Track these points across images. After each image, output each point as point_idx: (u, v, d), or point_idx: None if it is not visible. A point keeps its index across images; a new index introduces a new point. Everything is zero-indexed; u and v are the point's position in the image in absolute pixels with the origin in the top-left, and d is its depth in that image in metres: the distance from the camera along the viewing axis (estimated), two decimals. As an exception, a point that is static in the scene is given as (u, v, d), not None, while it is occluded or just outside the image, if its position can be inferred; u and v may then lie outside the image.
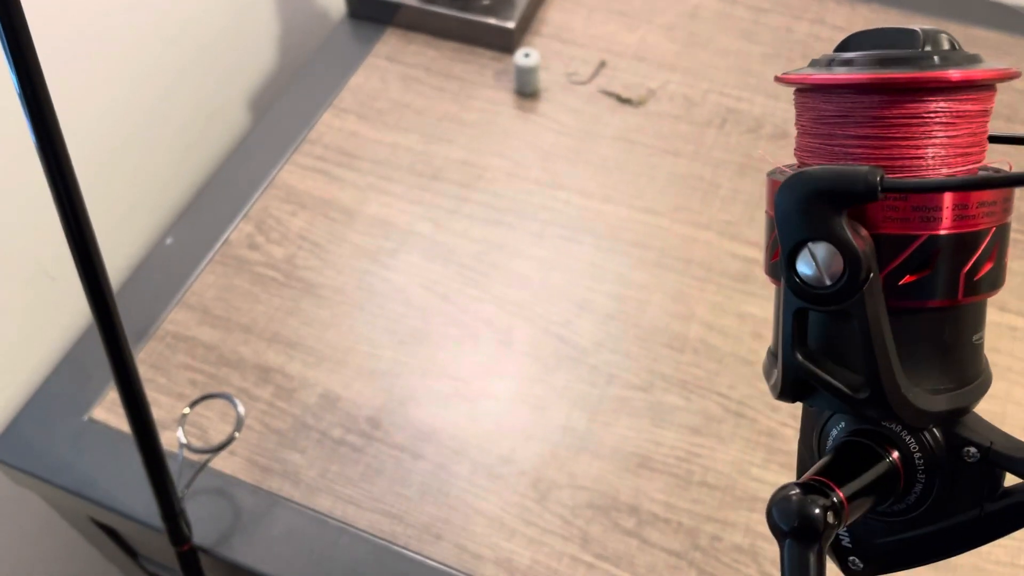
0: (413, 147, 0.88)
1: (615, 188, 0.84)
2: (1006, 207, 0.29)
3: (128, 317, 0.76)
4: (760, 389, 0.70)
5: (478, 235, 0.81)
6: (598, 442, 0.68)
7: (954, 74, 0.27)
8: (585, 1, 0.99)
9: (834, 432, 0.32)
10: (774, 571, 0.62)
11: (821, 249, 0.27)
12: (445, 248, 0.80)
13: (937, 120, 0.28)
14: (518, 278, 0.78)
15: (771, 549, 0.63)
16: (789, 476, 0.67)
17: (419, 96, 0.92)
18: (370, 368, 0.73)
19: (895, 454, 0.30)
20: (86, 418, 0.71)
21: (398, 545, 0.64)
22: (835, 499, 0.27)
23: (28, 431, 0.71)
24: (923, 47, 0.28)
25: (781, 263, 0.28)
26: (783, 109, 0.88)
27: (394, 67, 0.94)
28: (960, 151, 0.28)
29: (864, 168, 0.26)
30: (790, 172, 0.30)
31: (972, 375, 0.30)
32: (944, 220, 0.27)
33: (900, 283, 0.28)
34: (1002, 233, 0.29)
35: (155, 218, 0.91)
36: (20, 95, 0.40)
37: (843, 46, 0.30)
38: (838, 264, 0.27)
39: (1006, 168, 0.29)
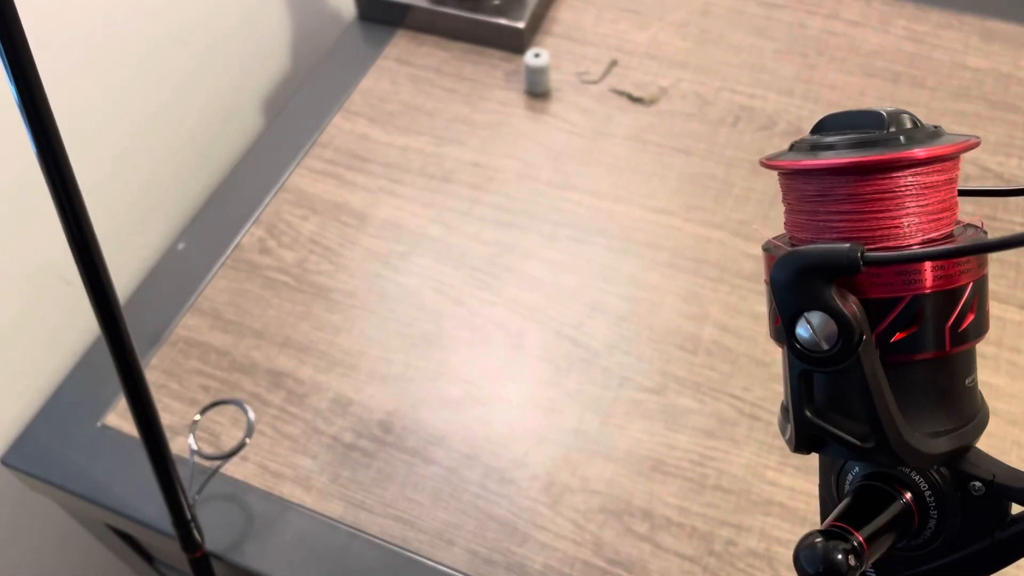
0: (424, 149, 0.87)
1: (627, 188, 0.83)
2: (981, 262, 0.32)
3: (141, 322, 0.77)
4: (774, 390, 0.70)
5: (490, 237, 0.80)
6: (611, 445, 0.68)
7: (920, 152, 0.30)
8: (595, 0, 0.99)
9: (850, 476, 0.34)
10: (789, 575, 0.62)
11: (816, 318, 0.30)
12: (457, 251, 0.80)
13: (908, 193, 0.31)
14: (530, 280, 0.77)
15: (787, 554, 0.62)
16: (804, 479, 0.66)
17: (430, 98, 0.91)
18: (382, 372, 0.73)
19: (907, 494, 0.32)
20: (100, 424, 0.72)
21: (410, 551, 0.64)
22: (855, 543, 0.30)
23: (43, 437, 0.71)
24: (888, 128, 0.31)
25: (782, 331, 0.31)
26: (797, 106, 0.87)
27: (404, 69, 0.94)
28: (933, 217, 0.31)
29: (846, 246, 0.29)
30: (782, 246, 0.33)
31: (969, 415, 0.32)
32: (925, 281, 0.30)
33: (892, 340, 0.31)
34: (980, 286, 0.32)
35: (170, 222, 0.91)
36: (19, 104, 0.40)
37: (818, 128, 0.33)
38: (832, 329, 0.30)
39: (978, 224, 0.32)
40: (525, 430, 0.69)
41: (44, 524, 0.84)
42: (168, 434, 0.55)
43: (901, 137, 0.31)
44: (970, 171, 0.83)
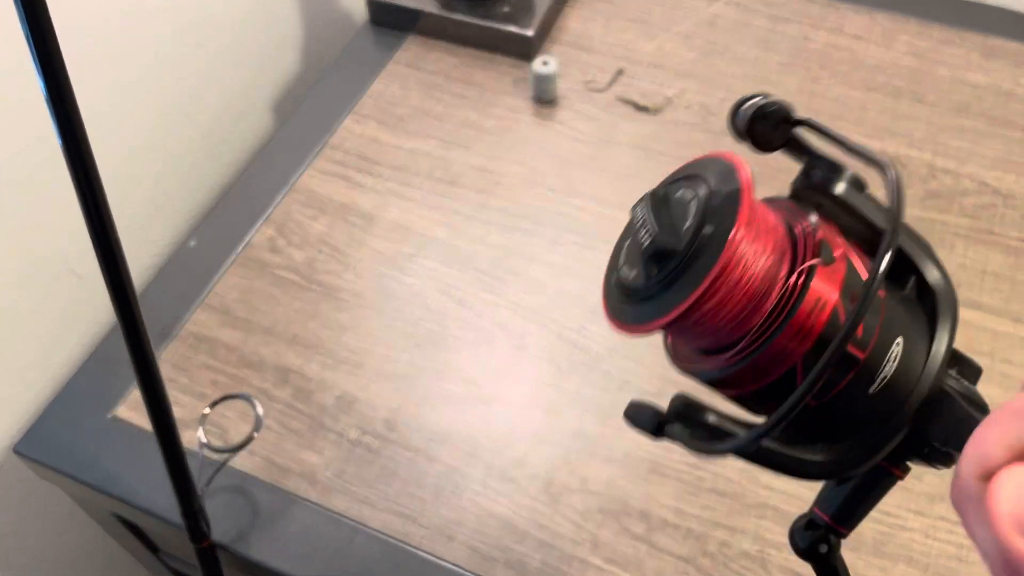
0: (432, 153, 0.89)
1: (630, 196, 0.84)
2: (833, 268, 0.31)
3: (152, 317, 0.78)
4: (771, 397, 0.71)
5: (495, 241, 0.82)
6: (610, 447, 0.69)
7: (673, 314, 0.30)
8: (604, 9, 1.00)
9: None
10: (782, 578, 0.63)
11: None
12: (462, 253, 0.81)
13: (698, 326, 0.31)
14: (533, 284, 0.79)
15: (779, 556, 0.64)
16: (798, 483, 0.68)
17: (439, 103, 0.93)
18: (387, 371, 0.74)
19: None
20: (110, 416, 0.73)
21: (411, 545, 0.65)
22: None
23: (54, 428, 0.73)
24: (651, 275, 0.31)
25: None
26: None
27: (414, 74, 0.96)
28: (734, 318, 0.31)
29: (649, 412, 0.33)
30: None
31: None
32: (796, 347, 0.31)
33: (815, 392, 0.30)
34: (848, 290, 0.31)
35: (180, 219, 0.93)
36: (47, 99, 0.42)
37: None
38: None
39: (809, 226, 0.32)
40: (526, 430, 0.71)
41: (51, 512, 0.85)
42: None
43: (659, 287, 0.31)
44: (968, 186, 0.84)
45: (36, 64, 0.40)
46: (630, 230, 0.34)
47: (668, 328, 0.30)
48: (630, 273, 0.32)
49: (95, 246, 0.46)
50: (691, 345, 0.33)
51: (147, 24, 0.82)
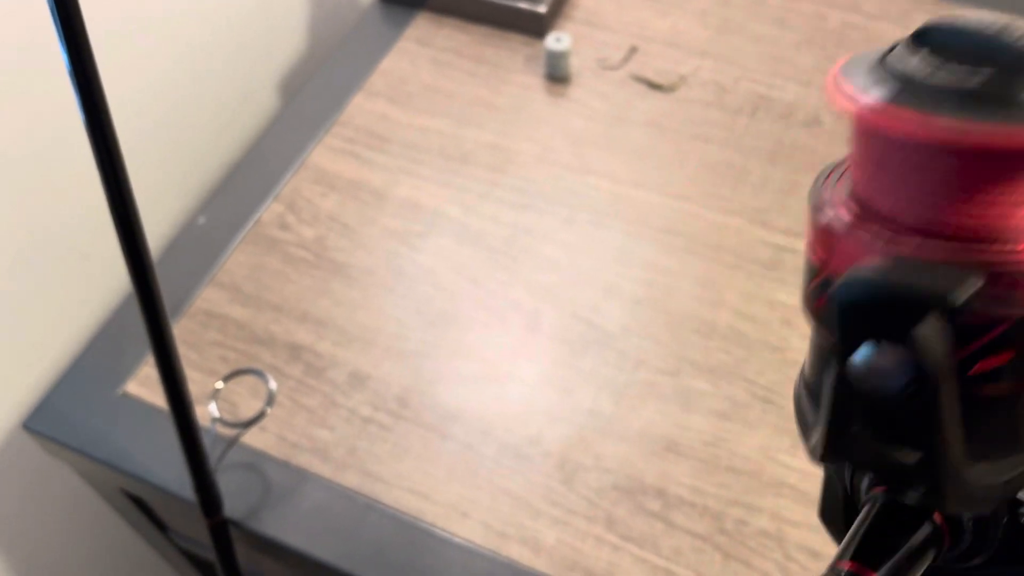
0: (443, 131, 0.88)
1: (645, 174, 0.84)
2: None
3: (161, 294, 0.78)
4: (788, 376, 0.70)
5: (507, 219, 0.81)
6: (625, 426, 0.69)
7: None
8: (617, -13, 0.99)
9: (866, 481, 0.28)
10: (799, 555, 0.63)
11: (887, 357, 0.22)
12: (474, 232, 0.80)
13: None
14: (546, 262, 0.78)
15: (797, 533, 0.63)
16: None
17: (449, 80, 0.92)
18: (399, 348, 0.73)
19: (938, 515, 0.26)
20: (120, 392, 0.72)
21: (425, 522, 0.65)
22: None
23: (62, 404, 0.72)
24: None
25: (834, 357, 0.24)
26: (815, 96, 0.88)
27: (425, 51, 0.95)
28: None
29: (966, 279, 0.21)
30: (835, 198, 0.25)
31: None
32: None
33: (971, 372, 0.23)
34: None
35: (189, 197, 0.92)
36: (70, 72, 0.41)
37: (918, 39, 0.23)
38: (905, 375, 0.22)
39: None
40: (539, 409, 0.70)
41: (59, 490, 0.85)
42: (192, 399, 0.56)
43: None
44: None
45: (62, 42, 0.40)
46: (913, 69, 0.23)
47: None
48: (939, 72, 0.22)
49: (114, 218, 0.46)
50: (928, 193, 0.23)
51: (155, 2, 0.81)
